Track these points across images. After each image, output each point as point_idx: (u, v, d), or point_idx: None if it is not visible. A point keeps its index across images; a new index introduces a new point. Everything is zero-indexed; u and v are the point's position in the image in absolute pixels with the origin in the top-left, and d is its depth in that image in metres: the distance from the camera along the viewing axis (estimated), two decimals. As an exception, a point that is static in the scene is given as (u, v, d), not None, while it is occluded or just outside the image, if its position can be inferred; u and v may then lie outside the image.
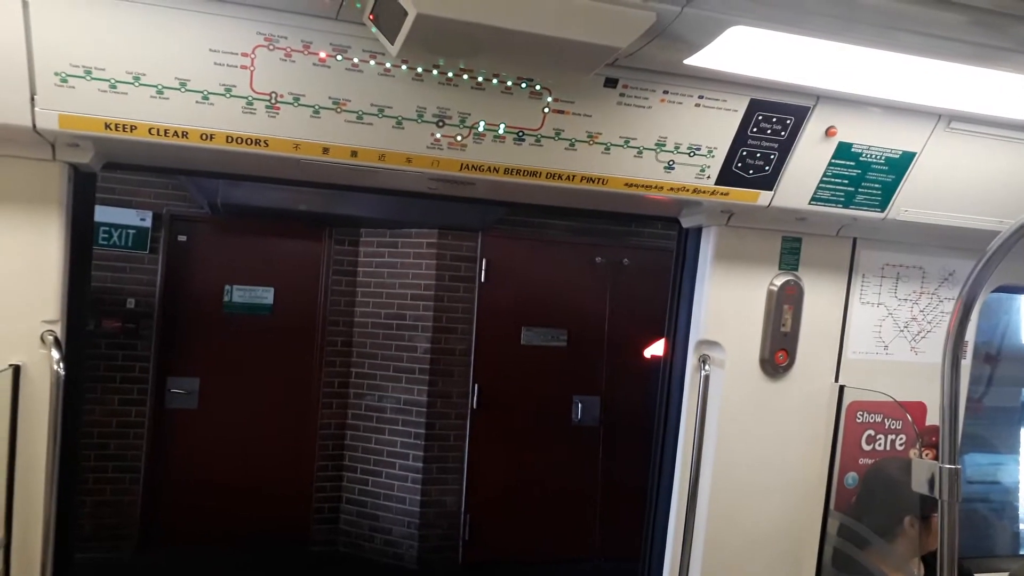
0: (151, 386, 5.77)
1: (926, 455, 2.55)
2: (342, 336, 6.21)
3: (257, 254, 6.05)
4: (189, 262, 5.88)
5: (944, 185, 2.27)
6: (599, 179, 2.03)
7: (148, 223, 5.66)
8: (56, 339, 1.87)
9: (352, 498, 6.24)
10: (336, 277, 6.19)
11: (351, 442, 6.26)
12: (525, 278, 6.23)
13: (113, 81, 1.65)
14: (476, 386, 6.12)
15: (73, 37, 1.59)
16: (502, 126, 1.89)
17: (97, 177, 2.05)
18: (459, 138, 1.88)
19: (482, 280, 6.14)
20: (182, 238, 5.85)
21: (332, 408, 6.21)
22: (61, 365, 1.85)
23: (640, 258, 6.42)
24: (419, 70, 1.77)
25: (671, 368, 2.56)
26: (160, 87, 1.67)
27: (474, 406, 6.12)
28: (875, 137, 2.14)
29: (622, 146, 2.00)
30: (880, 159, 2.17)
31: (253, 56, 1.68)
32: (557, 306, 6.30)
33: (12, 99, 1.62)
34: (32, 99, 1.63)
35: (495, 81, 1.82)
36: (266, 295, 6.01)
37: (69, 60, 1.61)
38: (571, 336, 6.34)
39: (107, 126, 1.69)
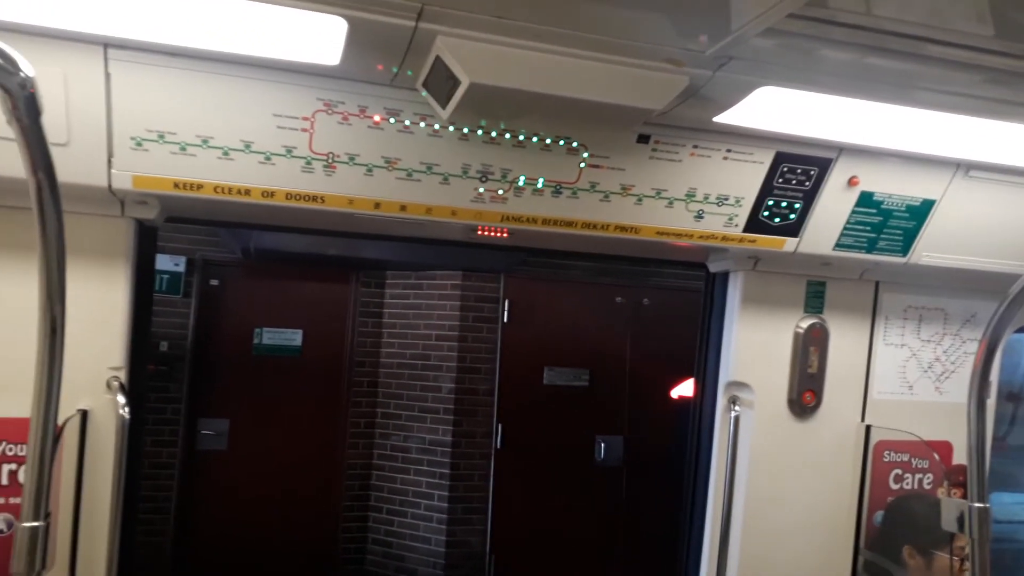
0: (182, 428, 5.87)
1: (954, 494, 2.59)
2: (368, 377, 6.31)
3: (286, 297, 6.17)
4: (220, 306, 6.02)
5: (964, 230, 2.35)
6: (631, 228, 2.14)
7: (182, 268, 5.82)
8: (121, 384, 1.97)
9: (378, 538, 6.27)
10: (362, 319, 6.31)
11: (377, 482, 6.31)
12: (547, 319, 6.31)
13: (183, 144, 1.77)
14: (500, 426, 6.17)
15: (149, 104, 1.72)
16: (541, 180, 2.00)
17: (158, 231, 2.18)
18: (501, 192, 1.99)
19: (505, 321, 6.23)
20: (214, 282, 5.99)
21: (358, 448, 6.28)
22: (126, 410, 1.95)
23: (660, 298, 6.49)
24: (465, 130, 1.89)
25: (701, 409, 2.63)
26: (226, 149, 1.80)
27: (498, 446, 6.16)
28: (896, 186, 2.23)
29: (654, 197, 2.10)
30: (901, 206, 2.26)
31: (313, 120, 1.81)
32: (579, 346, 6.36)
33: (91, 162, 1.75)
34: (109, 161, 1.76)
35: (535, 139, 1.94)
36: (295, 337, 6.13)
37: (145, 125, 1.74)
38: (593, 376, 6.39)
39: (176, 185, 1.81)
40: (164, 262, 5.73)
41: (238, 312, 6.04)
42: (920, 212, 2.29)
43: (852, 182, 2.19)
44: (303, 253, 5.66)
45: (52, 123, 1.69)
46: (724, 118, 1.90)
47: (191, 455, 5.92)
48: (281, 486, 6.04)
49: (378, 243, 5.66)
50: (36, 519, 1.32)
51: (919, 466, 2.65)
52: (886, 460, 2.62)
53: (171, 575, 5.84)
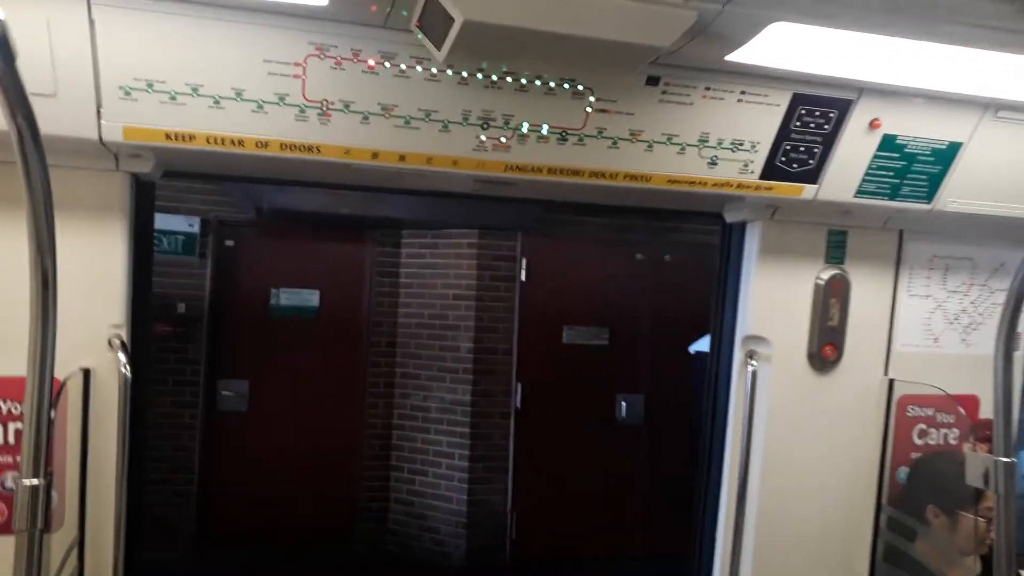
0: (202, 389, 5.92)
1: (980, 449, 2.52)
2: (386, 337, 6.30)
3: (302, 258, 6.15)
4: (237, 266, 6.01)
5: (992, 175, 2.25)
6: (642, 176, 2.06)
7: (197, 229, 5.81)
8: (123, 342, 1.95)
9: (400, 497, 6.32)
10: (379, 279, 6.28)
11: (397, 442, 6.34)
12: (565, 276, 6.24)
13: (173, 93, 1.72)
14: (519, 385, 6.16)
15: (136, 52, 1.67)
16: (545, 127, 1.93)
17: (156, 186, 2.14)
18: (503, 139, 1.92)
19: (523, 279, 6.17)
20: (229, 243, 5.98)
21: (378, 408, 6.30)
22: (128, 367, 1.93)
23: (681, 254, 6.39)
24: (464, 74, 1.81)
25: (718, 364, 2.57)
26: (217, 97, 1.74)
27: (518, 405, 6.16)
28: (920, 128, 2.13)
29: (665, 143, 2.02)
30: (926, 150, 2.16)
31: (305, 65, 1.74)
32: (598, 304, 6.30)
33: (80, 113, 1.70)
34: (98, 112, 1.71)
35: (538, 82, 1.86)
36: (312, 298, 6.12)
37: (132, 74, 1.68)
38: (613, 334, 6.34)
39: (168, 136, 1.76)
40: (179, 223, 5.72)
41: (254, 273, 6.03)
42: (946, 156, 2.18)
43: (874, 125, 2.09)
44: (317, 212, 5.63)
45: (39, 73, 1.65)
46: (737, 57, 1.80)
47: (212, 416, 5.97)
48: (302, 446, 6.09)
49: (392, 202, 5.60)
50: (36, 476, 1.31)
51: (944, 421, 2.59)
52: (910, 415, 2.56)
53: (196, 534, 5.94)
